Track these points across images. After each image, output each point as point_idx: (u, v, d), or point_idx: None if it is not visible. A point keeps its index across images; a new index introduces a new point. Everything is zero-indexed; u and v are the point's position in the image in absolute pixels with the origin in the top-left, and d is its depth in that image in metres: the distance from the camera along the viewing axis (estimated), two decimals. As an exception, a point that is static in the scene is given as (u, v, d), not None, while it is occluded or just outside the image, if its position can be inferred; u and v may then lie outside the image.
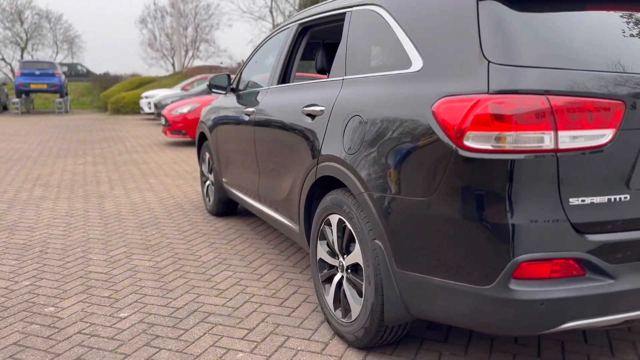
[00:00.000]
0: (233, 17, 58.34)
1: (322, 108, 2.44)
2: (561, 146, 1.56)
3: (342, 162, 2.20)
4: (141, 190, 6.01)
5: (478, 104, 1.61)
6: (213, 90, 4.06)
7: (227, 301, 2.86)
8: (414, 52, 1.97)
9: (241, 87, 4.07)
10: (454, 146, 1.67)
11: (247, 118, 3.48)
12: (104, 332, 2.53)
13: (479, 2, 1.75)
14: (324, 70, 3.24)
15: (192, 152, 9.39)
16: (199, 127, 4.85)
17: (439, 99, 1.74)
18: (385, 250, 1.96)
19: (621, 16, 1.81)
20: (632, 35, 1.79)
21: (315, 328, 2.51)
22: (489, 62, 1.65)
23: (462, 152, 1.65)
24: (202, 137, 4.85)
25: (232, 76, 4.14)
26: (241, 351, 2.32)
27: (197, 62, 43.79)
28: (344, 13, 2.62)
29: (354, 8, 2.52)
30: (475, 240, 1.65)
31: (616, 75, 1.64)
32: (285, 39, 3.30)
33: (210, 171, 4.68)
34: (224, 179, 4.26)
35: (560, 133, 1.55)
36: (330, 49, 3.24)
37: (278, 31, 3.57)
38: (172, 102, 14.51)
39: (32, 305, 2.85)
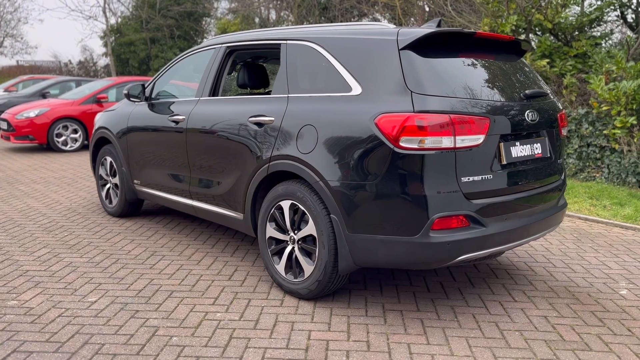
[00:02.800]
0: (60, 15, 53.10)
1: (272, 118, 3.13)
2: (457, 145, 2.53)
3: (298, 159, 2.93)
4: (17, 197, 5.84)
5: (408, 119, 2.51)
6: (131, 98, 4.39)
7: (181, 281, 3.36)
8: (353, 81, 2.80)
9: (154, 96, 4.48)
10: (392, 146, 2.54)
11: (174, 124, 3.95)
12: (85, 313, 2.87)
13: (400, 52, 2.65)
14: (245, 85, 3.90)
15: (46, 157, 8.98)
16: (96, 133, 5.05)
17: (379, 114, 2.60)
18: (339, 221, 2.75)
19: (488, 63, 2.91)
20: (494, 75, 2.88)
21: (267, 292, 3.19)
22: (412, 92, 2.56)
23: (397, 150, 2.54)
24: (101, 143, 5.06)
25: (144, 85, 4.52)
26: (217, 312, 2.90)
27: (2, 60, 38.98)
28: (279, 44, 3.34)
29: (289, 42, 3.26)
30: (407, 207, 2.55)
31: (485, 101, 2.69)
32: (212, 57, 3.88)
33: (112, 174, 4.92)
34: (136, 181, 4.59)
35: (457, 137, 2.52)
36: (252, 68, 3.92)
37: (200, 50, 4.11)
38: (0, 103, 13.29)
39: (-8, 301, 3.01)
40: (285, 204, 3.06)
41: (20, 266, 3.60)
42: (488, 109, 2.69)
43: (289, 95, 3.14)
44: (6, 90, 15.94)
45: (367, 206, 2.67)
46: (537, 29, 8.17)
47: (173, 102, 4.17)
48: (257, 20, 21.84)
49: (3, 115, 9.88)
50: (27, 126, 9.48)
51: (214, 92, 3.81)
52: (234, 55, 3.84)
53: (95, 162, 5.25)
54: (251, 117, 3.28)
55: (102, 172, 5.11)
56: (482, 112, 2.64)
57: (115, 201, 4.93)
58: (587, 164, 6.71)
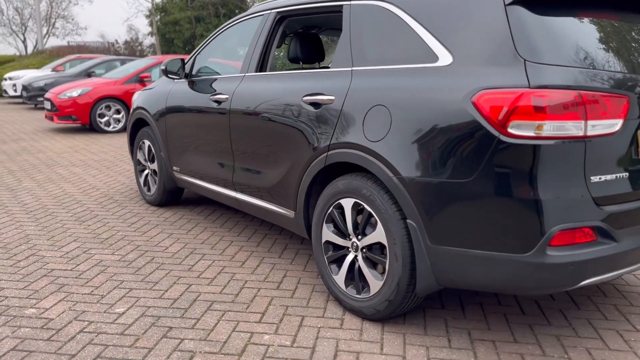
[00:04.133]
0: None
1: (331, 97, 2.56)
2: (589, 133, 1.88)
3: (364, 148, 2.35)
4: (54, 181, 5.53)
5: (522, 97, 1.87)
6: (169, 75, 3.90)
7: (223, 288, 2.86)
8: (439, 47, 2.18)
9: (194, 73, 3.98)
10: (496, 133, 1.92)
11: (216, 105, 3.44)
12: (110, 329, 2.42)
13: (507, 7, 2.01)
14: (298, 58, 3.33)
15: (88, 138, 8.74)
16: (134, 114, 4.62)
17: (478, 90, 1.97)
18: (418, 228, 2.16)
19: (618, 24, 2.21)
20: (625, 39, 2.18)
21: (323, 307, 2.65)
22: (525, 60, 1.92)
23: (504, 138, 1.91)
24: (139, 124, 4.63)
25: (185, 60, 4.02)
26: (265, 334, 2.38)
27: (53, 41, 39.90)
28: (340, 6, 2.74)
29: (353, 2, 2.66)
30: (514, 216, 1.93)
31: (619, 73, 2.01)
32: (260, 26, 3.32)
33: (151, 160, 4.49)
34: (175, 168, 4.13)
35: (589, 122, 1.88)
36: (305, 38, 3.34)
37: (246, 18, 3.56)
38: (45, 84, 13.28)
39: (7, 309, 2.60)
40: (347, 203, 2.50)
41: (45, 263, 3.20)
42: (626, 84, 2.02)
43: (354, 68, 2.54)
44: (54, 70, 16.00)
45: (458, 211, 2.06)
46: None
47: (215, 79, 3.65)
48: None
49: (47, 95, 9.72)
50: (70, 106, 9.27)
51: (261, 67, 3.26)
52: (285, 23, 3.26)
53: (133, 146, 4.83)
54: (306, 96, 2.72)
55: (140, 156, 4.68)
56: (618, 90, 1.98)
57: (153, 189, 4.50)
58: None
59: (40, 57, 21.60)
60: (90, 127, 9.53)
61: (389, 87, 2.32)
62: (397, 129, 2.22)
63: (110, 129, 9.53)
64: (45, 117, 9.70)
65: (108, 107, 9.49)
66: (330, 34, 4.30)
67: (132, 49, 25.92)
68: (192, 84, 3.87)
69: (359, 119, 2.40)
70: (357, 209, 2.47)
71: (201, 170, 3.79)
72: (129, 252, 3.40)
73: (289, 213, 2.94)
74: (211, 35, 3.91)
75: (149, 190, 4.60)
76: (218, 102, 3.43)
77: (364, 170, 2.44)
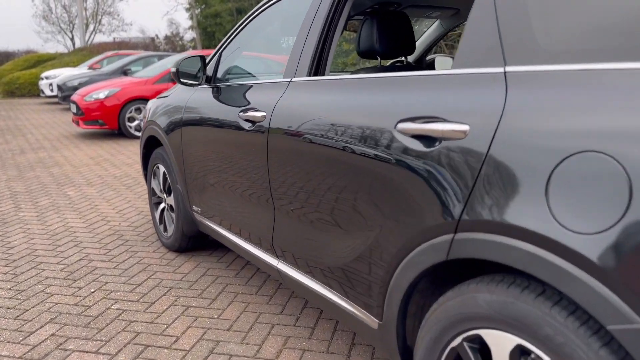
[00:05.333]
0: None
1: (462, 127, 1.31)
2: None
3: (554, 245, 1.09)
4: (59, 209, 4.51)
5: None
6: (182, 81, 2.74)
7: None
8: None
9: (220, 75, 2.81)
10: None
11: (249, 126, 2.25)
12: None
13: None
14: (373, 51, 2.10)
15: (115, 145, 7.79)
16: (147, 129, 3.50)
17: None
18: None
19: None
20: None
21: None
22: None
23: None
24: (152, 143, 3.51)
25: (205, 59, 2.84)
26: None
27: (100, 37, 40.10)
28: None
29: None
30: None
31: None
32: (313, 8, 2.09)
33: (167, 191, 3.37)
34: (195, 208, 2.99)
35: None
36: (385, 20, 2.09)
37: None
38: (79, 83, 12.52)
39: None
40: (496, 340, 1.25)
41: (-9, 376, 2.11)
42: None
43: (509, 68, 1.27)
44: (90, 67, 15.34)
45: None
46: None
47: (249, 86, 2.45)
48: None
49: (73, 97, 8.85)
50: (96, 109, 8.36)
51: (316, 68, 2.04)
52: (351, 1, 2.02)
53: (146, 170, 3.73)
54: (403, 121, 1.47)
55: (154, 185, 3.57)
56: None
57: (171, 230, 3.38)
58: None
59: (80, 55, 21.16)
60: (119, 132, 8.61)
61: (618, 116, 1.05)
62: (650, 213, 0.96)
63: (140, 134, 8.57)
64: (72, 121, 8.85)
65: (138, 110, 8.54)
66: (420, 13, 3.01)
67: (173, 44, 25.24)
68: (216, 92, 2.70)
69: (535, 179, 1.14)
70: (520, 352, 1.22)
71: (228, 217, 2.62)
72: (120, 349, 2.27)
73: (370, 320, 1.71)
74: (241, 22, 2.70)
75: (165, 230, 3.48)
76: (252, 121, 2.23)
77: (543, 284, 1.18)
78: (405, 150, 1.46)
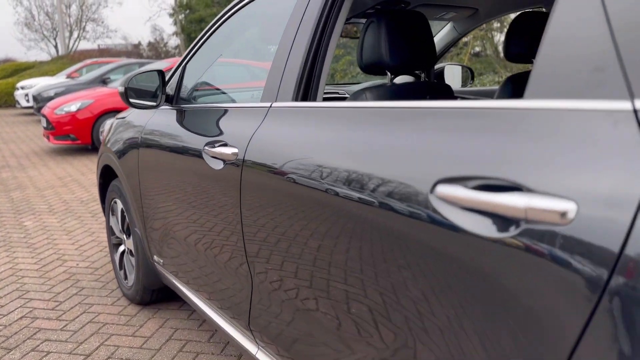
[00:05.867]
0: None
1: (566, 207, 0.74)
2: None
3: None
4: (10, 245, 3.90)
5: None
6: (133, 103, 2.15)
7: None
8: None
9: (185, 94, 2.24)
10: None
11: (216, 164, 1.68)
12: None
13: None
14: (382, 67, 1.56)
15: (87, 162, 7.17)
16: (102, 156, 2.92)
17: None
18: None
19: None
20: None
21: None
22: None
23: None
24: (109, 173, 2.93)
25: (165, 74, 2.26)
26: None
27: (85, 44, 39.29)
28: None
29: None
30: None
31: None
32: (300, 9, 1.54)
33: (127, 232, 2.78)
34: (157, 259, 2.41)
35: None
36: (402, 20, 1.55)
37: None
38: (55, 93, 11.85)
39: None
40: None
41: None
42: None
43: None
44: (69, 76, 14.65)
45: None
46: None
47: (218, 112, 1.88)
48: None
49: (43, 110, 8.21)
50: (67, 123, 7.73)
51: (305, 90, 1.48)
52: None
53: (104, 202, 3.14)
54: (446, 184, 0.91)
55: (112, 223, 2.99)
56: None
57: (132, 279, 2.80)
58: None
59: (60, 63, 20.43)
60: (93, 148, 7.98)
61: None
62: None
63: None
64: (43, 136, 8.20)
65: (113, 123, 7.92)
66: (431, 15, 2.46)
67: (157, 51, 24.54)
68: (180, 116, 2.13)
69: None
70: None
71: (196, 277, 2.04)
72: None
73: None
74: (206, 29, 2.11)
75: (125, 278, 2.89)
76: (222, 159, 1.66)
77: None
78: (448, 232, 0.90)
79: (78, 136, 7.71)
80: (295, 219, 1.31)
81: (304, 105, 1.43)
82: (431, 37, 1.66)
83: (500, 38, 10.26)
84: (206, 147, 1.73)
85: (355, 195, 1.10)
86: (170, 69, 2.33)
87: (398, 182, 1.01)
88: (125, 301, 2.88)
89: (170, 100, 2.23)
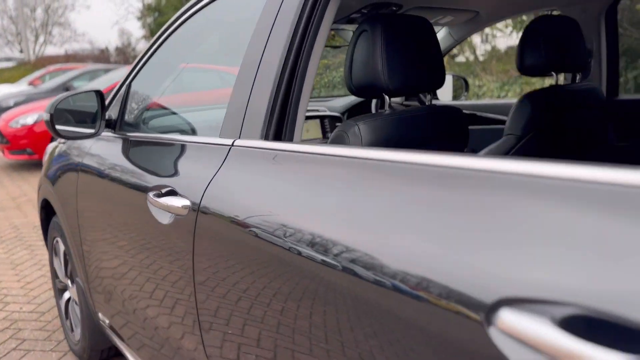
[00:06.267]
0: (99, -4, 51.02)
1: None
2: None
3: None
4: (-56, 284, 3.40)
5: None
6: (60, 132, 1.71)
7: None
8: None
9: (131, 118, 1.83)
10: None
11: (163, 217, 1.28)
12: None
13: None
14: (379, 88, 1.20)
15: (45, 180, 6.64)
16: (41, 188, 2.49)
17: None
18: None
19: None
20: None
21: None
22: None
23: None
24: (49, 209, 2.49)
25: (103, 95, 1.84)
26: None
27: (52, 49, 38.07)
28: None
29: None
30: None
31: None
32: (271, 11, 1.15)
33: (71, 277, 2.35)
34: (102, 318, 1.98)
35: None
36: (399, 29, 1.18)
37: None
38: (15, 103, 11.18)
39: None
40: None
41: None
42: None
43: None
44: (31, 83, 13.93)
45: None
46: None
47: (169, 148, 1.47)
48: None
49: (-4, 122, 7.62)
50: (24, 136, 7.16)
51: (277, 124, 1.09)
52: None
53: (47, 239, 2.69)
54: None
55: (56, 265, 2.55)
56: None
57: (78, 332, 2.36)
58: None
59: (23, 69, 19.58)
60: (53, 162, 7.43)
61: None
62: None
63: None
64: (-2, 150, 7.62)
65: (74, 135, 7.38)
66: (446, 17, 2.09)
67: (125, 55, 23.71)
68: (124, 146, 1.71)
69: None
70: None
71: (147, 347, 1.63)
72: None
73: None
74: (153, 41, 1.71)
75: (72, 330, 2.46)
76: (170, 210, 1.26)
77: None
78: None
79: (35, 150, 7.15)
80: (255, 289, 0.92)
81: (275, 147, 1.04)
82: (439, 49, 1.29)
83: (477, 41, 10.05)
84: (151, 196, 1.33)
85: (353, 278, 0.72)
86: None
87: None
88: (73, 357, 2.45)
89: (113, 125, 1.82)
